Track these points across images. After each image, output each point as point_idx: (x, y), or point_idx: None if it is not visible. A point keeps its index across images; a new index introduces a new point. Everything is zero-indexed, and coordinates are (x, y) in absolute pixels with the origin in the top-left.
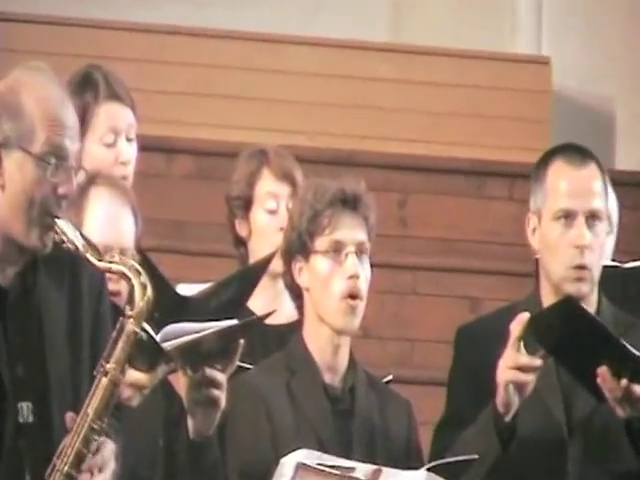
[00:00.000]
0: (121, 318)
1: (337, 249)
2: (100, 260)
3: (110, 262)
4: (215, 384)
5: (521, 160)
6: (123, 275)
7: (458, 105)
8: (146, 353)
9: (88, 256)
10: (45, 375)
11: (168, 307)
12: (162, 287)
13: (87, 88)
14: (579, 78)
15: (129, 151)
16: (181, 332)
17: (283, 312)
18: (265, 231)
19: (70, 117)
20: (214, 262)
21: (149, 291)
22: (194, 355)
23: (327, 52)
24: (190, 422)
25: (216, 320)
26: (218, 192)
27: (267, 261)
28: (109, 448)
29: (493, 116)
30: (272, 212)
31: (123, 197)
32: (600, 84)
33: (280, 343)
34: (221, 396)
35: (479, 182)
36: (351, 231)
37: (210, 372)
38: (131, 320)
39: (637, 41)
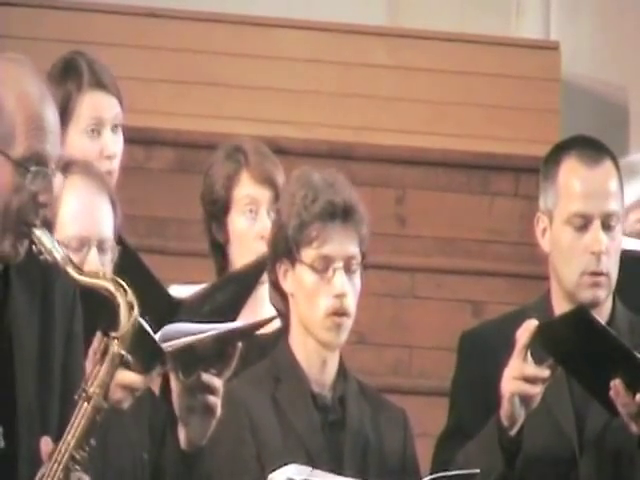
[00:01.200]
0: (105, 339)
1: (324, 264)
2: (82, 274)
3: (93, 277)
4: (211, 390)
5: (528, 153)
6: (108, 292)
7: (460, 94)
8: (144, 353)
9: (69, 270)
10: (13, 399)
11: (159, 310)
12: (153, 288)
13: (70, 76)
14: (590, 65)
15: (115, 143)
16: (181, 333)
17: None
18: (244, 237)
19: (52, 120)
20: (197, 262)
21: (136, 311)
22: (188, 359)
23: (320, 36)
24: (182, 431)
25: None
26: (201, 187)
27: (263, 263)
28: None
29: (498, 106)
30: (251, 218)
31: (99, 185)
32: (613, 71)
33: (262, 354)
34: (217, 403)
35: (483, 177)
36: (340, 246)
37: (206, 377)
38: (116, 342)
39: None
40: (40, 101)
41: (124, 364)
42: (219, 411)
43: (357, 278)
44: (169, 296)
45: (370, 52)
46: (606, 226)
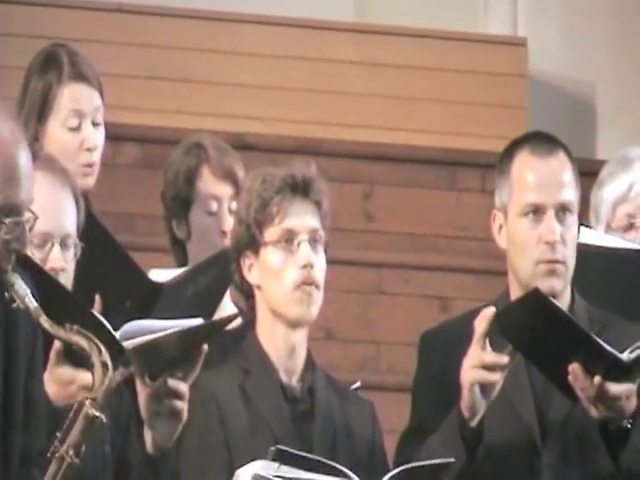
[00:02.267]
0: (79, 399)
1: (288, 238)
2: (55, 327)
3: (68, 332)
4: (177, 395)
5: (495, 149)
6: (82, 350)
7: (427, 90)
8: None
9: (42, 322)
10: None
11: (140, 295)
12: (133, 273)
13: (50, 67)
14: (558, 61)
15: (95, 136)
16: (142, 331)
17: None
18: (205, 234)
19: (26, 165)
20: (165, 258)
21: (110, 372)
22: (153, 360)
23: (287, 32)
24: (148, 435)
25: (193, 310)
26: None
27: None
28: None
29: (465, 102)
30: (212, 214)
31: (62, 181)
32: (580, 68)
33: (224, 352)
34: (183, 407)
35: (450, 173)
36: (302, 218)
37: (172, 382)
38: (89, 402)
39: (620, 22)
40: (13, 146)
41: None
42: (185, 415)
43: (322, 253)
44: (149, 281)
45: (338, 48)
46: (560, 216)
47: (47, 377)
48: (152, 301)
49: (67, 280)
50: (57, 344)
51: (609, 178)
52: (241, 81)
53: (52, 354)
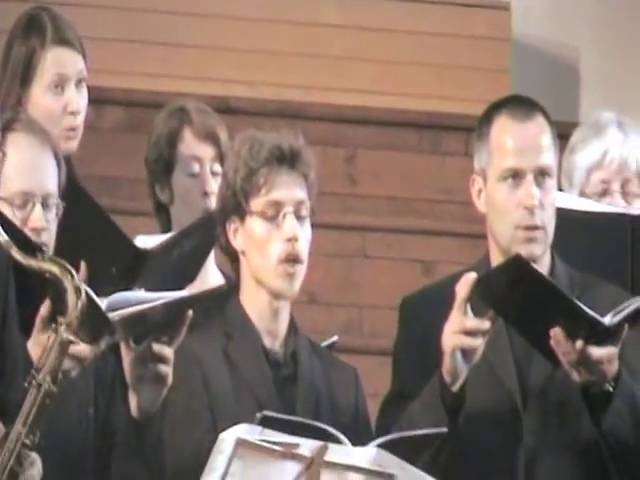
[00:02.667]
0: (53, 325)
1: (274, 210)
2: (27, 258)
3: (39, 260)
4: (162, 359)
5: (479, 113)
6: (54, 276)
7: (411, 53)
8: (91, 323)
9: (14, 254)
10: None
11: (126, 261)
12: (119, 240)
13: (33, 32)
14: (541, 25)
15: (79, 100)
16: (128, 302)
17: (208, 283)
18: (188, 196)
19: None
20: (148, 221)
21: (83, 296)
22: (139, 327)
23: None
24: (133, 399)
25: (177, 273)
26: None
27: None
28: (38, 464)
29: (448, 65)
30: (195, 175)
31: (43, 141)
32: (564, 32)
33: (207, 315)
34: (168, 372)
35: (433, 136)
36: (289, 190)
37: (156, 346)
38: (64, 327)
39: None
40: None
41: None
42: (170, 380)
43: (307, 225)
44: (135, 247)
45: (321, 11)
46: (539, 180)
47: (32, 342)
48: (138, 268)
49: (49, 239)
50: (42, 311)
51: (582, 144)
52: (225, 45)
53: (37, 321)
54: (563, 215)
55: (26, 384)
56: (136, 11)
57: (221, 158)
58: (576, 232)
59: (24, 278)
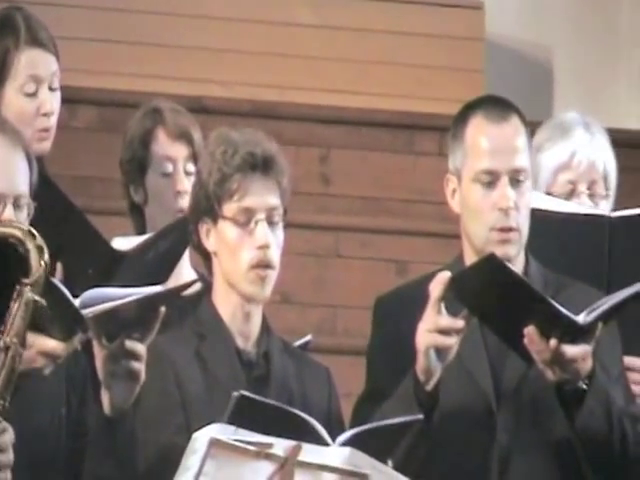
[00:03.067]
0: (18, 287)
1: (246, 216)
2: None
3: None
4: (134, 355)
5: (452, 112)
6: (16, 239)
7: (384, 53)
8: (64, 320)
9: None
10: None
11: (103, 263)
12: (95, 242)
13: (7, 32)
14: (514, 24)
15: (52, 101)
16: (101, 298)
17: (181, 281)
18: (161, 196)
19: None
20: (121, 221)
21: (46, 255)
22: (111, 323)
23: None
24: (105, 396)
25: (151, 273)
26: None
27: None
28: (10, 431)
29: (422, 65)
30: (168, 175)
31: (14, 141)
32: (537, 31)
33: (182, 315)
34: (141, 368)
35: (407, 136)
36: (262, 197)
37: (129, 343)
38: (28, 288)
39: None
40: None
41: (46, 311)
42: (143, 377)
43: (279, 231)
44: (112, 249)
45: (295, 11)
46: (514, 182)
47: None
48: (114, 269)
49: None
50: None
51: (548, 144)
52: (198, 44)
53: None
54: (540, 216)
55: None
56: (109, 11)
57: (195, 157)
58: (553, 233)
59: None
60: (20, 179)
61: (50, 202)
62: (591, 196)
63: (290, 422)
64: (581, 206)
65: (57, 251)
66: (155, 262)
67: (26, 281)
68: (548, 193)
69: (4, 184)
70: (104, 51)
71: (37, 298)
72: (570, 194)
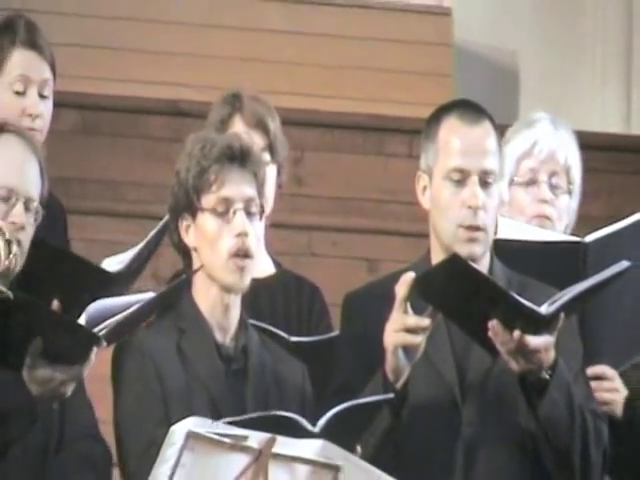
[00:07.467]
0: None
1: (225, 206)
2: None
3: None
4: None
5: (421, 116)
6: None
7: (356, 58)
8: (80, 346)
9: None
10: None
11: (97, 287)
12: (88, 272)
13: (6, 32)
14: (482, 30)
15: (39, 105)
16: (105, 310)
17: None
18: None
19: None
20: (98, 220)
21: (15, 248)
22: (123, 331)
23: (219, 1)
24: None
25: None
26: (104, 148)
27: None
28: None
29: (392, 70)
30: None
31: (33, 149)
32: (504, 37)
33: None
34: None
35: (378, 138)
36: (239, 187)
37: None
38: None
39: None
40: None
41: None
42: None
43: (257, 222)
44: (106, 274)
45: (268, 17)
46: (483, 182)
47: (27, 378)
48: (107, 288)
49: (26, 240)
50: (33, 347)
51: (513, 135)
52: (175, 49)
53: (28, 357)
54: (517, 246)
55: None
56: (88, 18)
57: (271, 149)
58: (529, 261)
59: None
60: (32, 183)
61: (40, 255)
62: (552, 187)
63: (274, 423)
64: (557, 233)
65: (51, 289)
66: (143, 266)
67: None
68: (511, 181)
69: (17, 181)
70: (83, 56)
71: (3, 289)
72: (531, 182)
